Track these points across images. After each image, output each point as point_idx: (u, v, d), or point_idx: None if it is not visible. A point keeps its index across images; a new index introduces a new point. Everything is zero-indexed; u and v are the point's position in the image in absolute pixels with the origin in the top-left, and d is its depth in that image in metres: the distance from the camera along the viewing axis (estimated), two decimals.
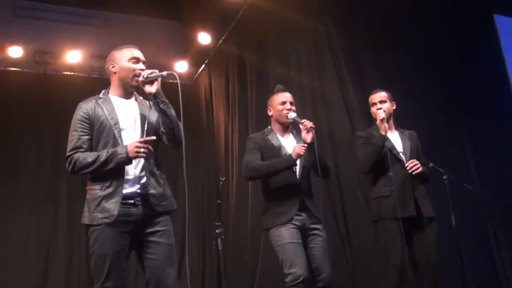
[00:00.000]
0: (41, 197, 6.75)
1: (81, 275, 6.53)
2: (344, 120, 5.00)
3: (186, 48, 7.72)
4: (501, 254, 4.80)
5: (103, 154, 2.60)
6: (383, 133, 3.55)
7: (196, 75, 8.01)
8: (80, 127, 2.71)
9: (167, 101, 2.75)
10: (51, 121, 6.88)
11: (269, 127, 3.57)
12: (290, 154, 3.27)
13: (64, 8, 7.10)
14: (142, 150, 2.56)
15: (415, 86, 5.14)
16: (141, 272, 2.79)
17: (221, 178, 4.51)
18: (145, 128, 2.77)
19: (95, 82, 7.01)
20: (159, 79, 2.75)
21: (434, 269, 3.37)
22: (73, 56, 7.00)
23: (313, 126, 3.29)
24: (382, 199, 3.51)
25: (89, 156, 2.63)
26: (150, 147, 2.60)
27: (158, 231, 2.70)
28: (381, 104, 3.69)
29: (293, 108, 3.48)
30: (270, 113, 3.57)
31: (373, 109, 3.73)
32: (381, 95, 3.75)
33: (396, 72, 5.20)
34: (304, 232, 3.28)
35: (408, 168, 3.46)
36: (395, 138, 3.69)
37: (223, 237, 4.11)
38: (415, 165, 3.45)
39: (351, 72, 5.16)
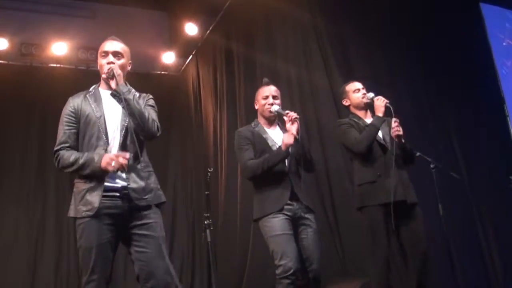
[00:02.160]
0: (29, 190, 6.71)
1: (70, 267, 6.51)
2: (332, 110, 5.02)
3: (173, 39, 7.69)
4: (488, 242, 4.86)
5: (82, 159, 2.63)
6: (380, 114, 3.55)
7: (184, 66, 7.98)
8: (66, 121, 2.75)
9: (128, 96, 2.67)
10: (38, 114, 6.83)
11: (256, 120, 3.57)
12: (280, 147, 3.27)
13: None
14: (113, 164, 2.54)
15: (402, 76, 5.16)
16: (130, 265, 2.79)
17: (209, 169, 4.51)
18: (126, 124, 2.76)
19: (82, 74, 6.96)
20: (117, 74, 2.69)
21: (423, 256, 3.38)
22: (60, 48, 6.92)
23: (298, 116, 3.29)
24: (368, 185, 3.50)
25: (71, 157, 2.66)
26: (124, 163, 2.56)
27: (146, 223, 2.68)
28: (366, 91, 3.71)
29: (277, 101, 3.47)
30: (256, 107, 3.57)
31: (357, 95, 3.71)
32: (359, 83, 3.77)
33: (383, 61, 5.22)
34: (295, 222, 3.27)
35: (394, 128, 3.48)
36: None
37: (212, 228, 4.11)
38: (398, 126, 3.49)
39: (338, 62, 5.17)
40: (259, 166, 3.31)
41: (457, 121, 5.04)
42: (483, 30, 5.87)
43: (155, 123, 2.77)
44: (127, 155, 2.61)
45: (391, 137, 3.57)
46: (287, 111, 3.33)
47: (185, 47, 7.58)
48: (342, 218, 4.91)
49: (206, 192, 4.44)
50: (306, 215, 3.31)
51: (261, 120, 3.54)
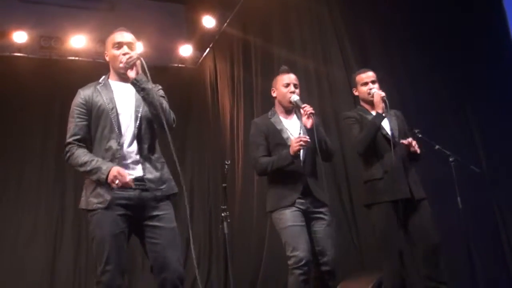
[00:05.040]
0: (48, 183, 6.82)
1: (89, 259, 6.59)
2: (349, 102, 4.97)
3: (190, 31, 7.69)
4: (508, 236, 4.79)
5: (90, 165, 2.62)
6: (380, 111, 3.45)
7: (201, 59, 7.98)
8: (77, 113, 2.74)
9: (148, 87, 2.66)
10: (57, 106, 6.89)
11: (272, 109, 3.54)
12: (288, 151, 3.22)
13: None
14: (116, 182, 2.53)
15: (421, 68, 5.09)
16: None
17: (226, 162, 4.51)
18: (139, 114, 2.75)
19: (100, 67, 6.95)
20: (138, 63, 2.68)
21: (434, 249, 3.32)
22: (78, 41, 6.98)
23: (313, 112, 3.24)
24: (375, 182, 3.46)
25: (81, 158, 2.66)
26: (127, 181, 2.56)
27: (158, 215, 2.69)
28: (373, 84, 3.61)
29: (297, 91, 3.43)
30: (273, 94, 3.52)
31: (364, 88, 3.62)
32: (371, 74, 3.66)
33: (401, 55, 5.16)
34: (308, 215, 3.27)
35: (407, 144, 3.39)
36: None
37: (229, 220, 4.12)
38: (412, 143, 3.40)
39: (356, 55, 5.12)
40: (267, 166, 3.31)
41: (477, 113, 4.97)
42: (504, 21, 5.75)
43: (172, 114, 2.78)
44: (130, 177, 2.60)
45: (399, 131, 3.51)
46: (304, 105, 3.28)
47: (203, 40, 7.59)
48: (359, 211, 4.88)
49: (223, 185, 4.44)
50: (319, 209, 3.30)
51: (278, 109, 3.51)
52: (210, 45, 7.64)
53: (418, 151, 3.41)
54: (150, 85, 2.68)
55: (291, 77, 3.47)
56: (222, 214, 4.10)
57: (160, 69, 7.31)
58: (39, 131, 6.93)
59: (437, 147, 3.82)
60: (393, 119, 3.55)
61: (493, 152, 4.76)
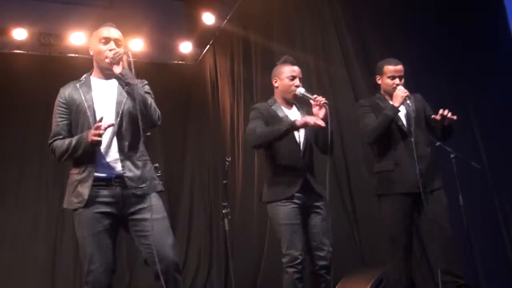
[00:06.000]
0: (48, 179, 6.81)
1: None
2: (350, 97, 4.98)
3: (190, 28, 7.67)
4: (509, 232, 4.78)
5: (73, 141, 2.62)
6: (396, 105, 3.37)
7: (201, 55, 7.97)
8: (58, 113, 2.75)
9: (133, 82, 2.61)
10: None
11: (272, 98, 3.46)
12: (295, 120, 3.15)
13: None
14: (97, 133, 2.49)
15: (421, 63, 5.08)
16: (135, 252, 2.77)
17: (227, 159, 4.50)
18: (120, 111, 2.72)
19: None
20: (124, 59, 2.63)
21: (449, 242, 3.28)
22: (78, 38, 6.96)
23: (326, 102, 3.16)
24: (386, 173, 3.42)
25: (64, 143, 2.65)
26: (107, 125, 2.52)
27: (144, 208, 2.66)
28: (400, 80, 3.50)
29: (300, 83, 3.37)
30: (275, 84, 3.43)
31: (390, 81, 3.51)
32: (400, 68, 3.53)
33: (402, 49, 5.14)
34: (305, 210, 3.24)
35: (440, 118, 3.29)
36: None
37: (229, 217, 4.11)
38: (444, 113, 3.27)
39: (356, 50, 5.10)
40: (267, 132, 3.20)
41: (478, 109, 4.96)
42: (506, 21, 5.73)
43: (157, 111, 2.73)
44: (111, 122, 2.57)
45: (415, 117, 3.40)
46: (315, 95, 3.20)
47: (203, 37, 7.57)
48: (359, 206, 4.89)
49: (224, 181, 4.44)
50: (316, 203, 3.27)
51: (278, 99, 3.43)
52: (210, 42, 7.63)
53: (455, 117, 3.29)
54: (135, 81, 2.63)
55: (296, 70, 3.39)
56: (223, 211, 4.09)
57: (160, 66, 7.31)
58: (39, 128, 6.90)
59: (438, 143, 3.80)
60: (407, 106, 3.43)
61: (494, 148, 4.75)
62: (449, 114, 3.28)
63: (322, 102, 3.15)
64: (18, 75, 6.69)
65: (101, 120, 2.53)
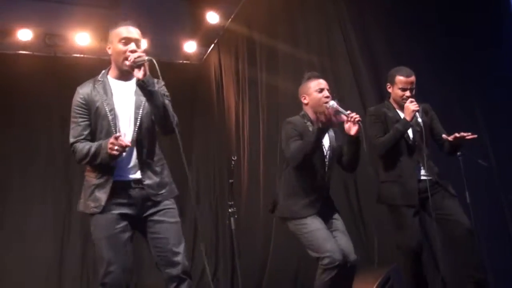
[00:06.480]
0: (55, 178, 6.85)
1: (96, 256, 6.62)
2: (355, 97, 4.96)
3: (194, 28, 7.66)
4: None
5: (92, 149, 2.55)
6: (408, 119, 3.38)
7: (206, 55, 7.97)
8: (78, 113, 2.65)
9: (154, 88, 2.56)
10: (62, 104, 6.88)
11: (303, 112, 3.41)
12: (318, 124, 3.11)
13: None
14: (116, 148, 2.42)
15: (426, 62, 5.06)
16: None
17: (233, 158, 4.49)
18: (139, 116, 2.66)
19: (106, 64, 6.97)
20: (146, 64, 2.56)
21: (467, 237, 3.29)
22: (83, 38, 6.98)
23: (360, 119, 3.12)
24: (391, 184, 3.47)
25: (85, 148, 2.58)
26: (125, 144, 2.44)
27: (160, 210, 2.65)
28: (410, 92, 3.49)
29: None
30: (305, 101, 3.39)
31: (400, 92, 3.51)
32: (412, 80, 3.52)
33: (407, 48, 5.12)
34: (323, 219, 3.28)
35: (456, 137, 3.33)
36: None
37: (236, 216, 4.10)
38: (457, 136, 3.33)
39: (361, 49, 5.08)
40: (303, 146, 3.16)
41: (483, 108, 4.93)
42: (509, 18, 5.70)
43: (175, 118, 2.67)
44: (125, 140, 2.48)
45: (421, 130, 3.41)
46: (348, 111, 3.15)
47: (207, 36, 7.56)
48: (366, 206, 4.87)
49: (230, 180, 4.42)
50: (334, 216, 3.34)
51: (311, 115, 3.38)
52: (215, 41, 7.63)
53: (469, 136, 3.34)
54: (156, 87, 2.59)
55: (322, 83, 3.38)
56: (229, 210, 4.08)
57: (164, 65, 7.24)
58: (45, 128, 6.94)
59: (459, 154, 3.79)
60: (420, 117, 3.44)
61: (501, 146, 4.73)
62: (468, 136, 3.32)
63: (356, 120, 3.10)
64: (23, 75, 6.70)
65: (119, 136, 2.46)
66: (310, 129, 3.29)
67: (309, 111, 3.40)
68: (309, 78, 3.43)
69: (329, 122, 3.06)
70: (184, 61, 7.96)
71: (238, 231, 4.62)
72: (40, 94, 6.85)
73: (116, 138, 2.43)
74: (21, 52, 6.90)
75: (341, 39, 5.20)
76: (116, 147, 2.42)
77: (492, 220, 4.58)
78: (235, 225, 4.09)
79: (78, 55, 7.14)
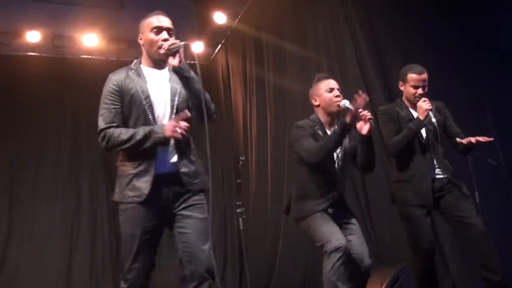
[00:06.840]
0: (64, 179, 6.89)
1: (105, 255, 6.67)
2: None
3: (202, 28, 7.68)
4: None
5: (139, 133, 2.46)
6: (421, 118, 3.33)
7: (213, 55, 7.97)
8: (110, 100, 2.56)
9: (191, 75, 2.56)
10: (71, 105, 6.97)
11: (313, 116, 3.36)
12: (343, 119, 3.06)
13: None
14: (179, 130, 2.42)
15: (434, 61, 5.03)
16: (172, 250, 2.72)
17: (241, 158, 4.50)
18: (175, 103, 2.62)
19: (113, 65, 6.99)
20: (181, 51, 2.55)
21: (487, 239, 3.25)
22: (90, 39, 7.01)
23: (372, 117, 3.08)
24: (403, 183, 3.43)
25: (124, 134, 2.48)
26: (187, 128, 2.45)
27: (190, 205, 2.59)
28: (423, 89, 3.44)
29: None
30: (316, 103, 3.34)
31: (413, 90, 3.46)
32: (425, 77, 3.46)
33: (415, 48, 5.09)
34: (337, 222, 3.21)
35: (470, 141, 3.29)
36: None
37: (244, 216, 4.11)
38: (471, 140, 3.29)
39: (370, 50, 5.06)
40: (324, 145, 3.12)
41: (493, 104, 4.91)
42: None
43: (212, 106, 2.66)
44: (189, 114, 2.48)
45: (435, 129, 3.38)
46: (360, 109, 3.07)
47: (214, 36, 7.57)
48: (374, 204, 4.86)
49: (238, 181, 4.44)
50: (350, 220, 3.29)
51: (321, 118, 3.33)
52: (222, 41, 7.63)
53: (482, 140, 3.27)
54: (192, 74, 2.58)
55: (332, 82, 3.32)
56: (238, 210, 4.09)
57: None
58: (54, 129, 6.98)
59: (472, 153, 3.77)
60: (434, 116, 3.41)
61: (511, 146, 4.70)
62: (483, 139, 3.27)
63: (367, 117, 3.05)
64: (32, 77, 6.75)
65: (182, 117, 2.44)
66: (320, 133, 3.26)
67: (320, 113, 3.35)
68: (319, 80, 3.38)
69: (356, 118, 3.03)
70: (192, 62, 7.95)
71: (246, 231, 4.63)
72: (49, 96, 6.89)
73: (180, 120, 2.43)
74: (29, 53, 6.95)
75: (349, 40, 5.17)
76: (179, 130, 2.42)
77: (502, 219, 4.55)
78: (243, 225, 4.09)
79: (86, 56, 7.16)
